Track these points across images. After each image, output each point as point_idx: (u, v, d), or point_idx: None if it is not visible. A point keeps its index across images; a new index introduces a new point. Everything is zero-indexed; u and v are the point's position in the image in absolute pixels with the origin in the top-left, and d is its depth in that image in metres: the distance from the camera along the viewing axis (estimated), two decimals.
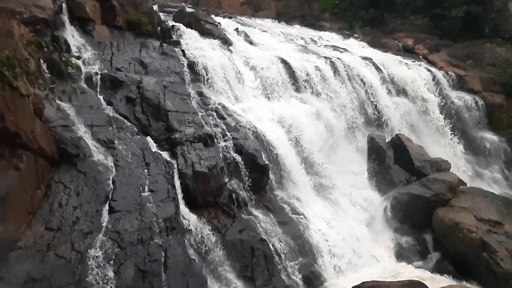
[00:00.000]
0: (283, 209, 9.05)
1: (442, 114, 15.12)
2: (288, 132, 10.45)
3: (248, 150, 9.03)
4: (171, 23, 13.46)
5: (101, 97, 8.99)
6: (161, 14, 14.43)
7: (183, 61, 11.07)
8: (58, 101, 7.36)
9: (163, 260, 6.37)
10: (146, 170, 7.59)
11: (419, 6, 22.60)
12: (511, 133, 15.69)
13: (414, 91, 15.15)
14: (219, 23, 14.56)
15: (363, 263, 8.94)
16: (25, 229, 5.96)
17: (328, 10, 25.85)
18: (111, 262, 6.02)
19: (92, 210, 6.57)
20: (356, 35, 20.87)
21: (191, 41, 12.55)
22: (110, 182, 7.11)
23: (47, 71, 8.56)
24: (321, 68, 13.51)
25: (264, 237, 7.88)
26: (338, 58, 14.55)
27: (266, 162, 9.15)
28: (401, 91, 15.00)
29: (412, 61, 16.91)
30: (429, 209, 9.82)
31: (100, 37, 10.81)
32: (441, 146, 14.48)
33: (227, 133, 9.24)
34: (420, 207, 9.96)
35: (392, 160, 11.60)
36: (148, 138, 8.44)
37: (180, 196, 7.58)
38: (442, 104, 15.32)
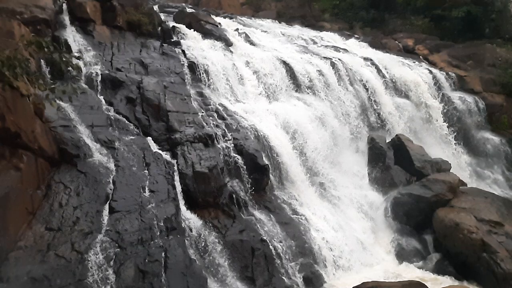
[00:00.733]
0: (284, 210, 9.05)
1: (442, 115, 15.11)
2: (287, 133, 10.44)
3: (249, 150, 9.04)
4: (171, 23, 13.49)
5: (101, 97, 8.99)
6: (161, 14, 14.46)
7: (183, 61, 11.08)
8: (58, 101, 7.38)
9: (163, 260, 6.36)
10: (146, 171, 7.59)
11: (420, 6, 22.60)
12: (511, 133, 15.68)
13: (414, 91, 15.14)
14: (219, 23, 14.58)
15: (364, 263, 8.94)
16: (25, 229, 5.96)
17: (329, 10, 25.84)
18: (111, 262, 6.02)
19: (92, 210, 6.57)
20: (356, 36, 20.87)
21: (192, 42, 12.57)
22: (111, 182, 7.11)
23: (47, 71, 8.57)
24: (321, 68, 13.51)
25: (264, 238, 7.87)
26: (338, 59, 14.54)
27: (266, 163, 9.15)
28: (401, 92, 15.00)
29: (413, 62, 16.91)
30: (429, 210, 9.82)
31: (100, 38, 10.81)
32: (441, 146, 14.47)
33: (227, 133, 9.24)
34: (420, 207, 9.96)
35: (392, 161, 11.60)
36: (149, 139, 8.44)
37: (180, 196, 7.57)
38: (442, 104, 15.31)
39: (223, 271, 7.13)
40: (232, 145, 9.05)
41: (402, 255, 9.39)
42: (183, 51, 11.57)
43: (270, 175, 9.28)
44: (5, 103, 5.73)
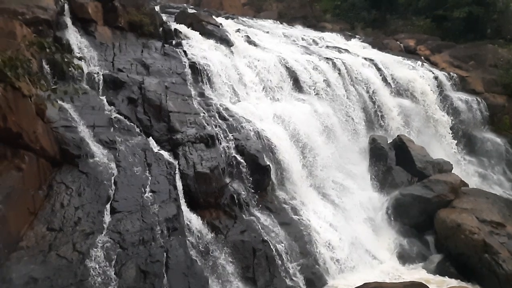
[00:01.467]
0: (285, 210, 9.04)
1: (444, 115, 15.10)
2: (289, 133, 10.43)
3: (250, 151, 9.03)
4: (173, 24, 13.49)
5: (103, 98, 9.00)
6: (163, 15, 14.46)
7: (184, 62, 11.09)
8: (60, 102, 7.38)
9: (164, 260, 6.36)
10: (147, 171, 7.60)
11: (421, 7, 22.60)
12: None
13: (416, 92, 15.12)
14: (220, 24, 14.57)
15: (365, 264, 8.93)
16: (27, 230, 5.96)
17: (330, 11, 25.84)
18: (113, 262, 6.02)
19: (93, 211, 6.58)
20: (357, 36, 20.86)
21: (193, 42, 12.57)
22: (112, 182, 7.11)
23: (49, 71, 8.58)
24: (323, 69, 13.51)
25: (265, 238, 7.87)
26: (339, 59, 14.54)
27: (268, 163, 9.15)
28: (403, 92, 14.99)
29: (414, 62, 16.89)
30: (431, 211, 9.81)
31: (102, 38, 10.82)
32: (443, 147, 14.46)
33: (228, 134, 9.24)
34: (422, 208, 9.95)
35: (393, 161, 11.59)
36: (150, 139, 8.44)
37: (181, 196, 7.57)
38: (444, 105, 15.30)
39: (224, 271, 7.12)
40: (234, 145, 9.05)
41: (403, 256, 9.37)
42: (185, 52, 11.58)
43: (272, 176, 9.28)
44: (7, 103, 5.74)
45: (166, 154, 8.17)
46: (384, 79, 14.89)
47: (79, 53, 9.53)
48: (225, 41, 13.07)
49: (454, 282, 8.46)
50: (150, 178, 7.47)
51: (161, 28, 12.73)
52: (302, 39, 17.67)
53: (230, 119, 9.80)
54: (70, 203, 6.54)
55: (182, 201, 7.54)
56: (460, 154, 14.69)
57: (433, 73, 16.20)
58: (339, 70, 13.90)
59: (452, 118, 15.15)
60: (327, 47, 16.97)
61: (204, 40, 12.84)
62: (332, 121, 11.92)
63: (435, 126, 14.87)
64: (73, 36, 10.16)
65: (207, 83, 10.85)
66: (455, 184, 10.38)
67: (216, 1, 28.49)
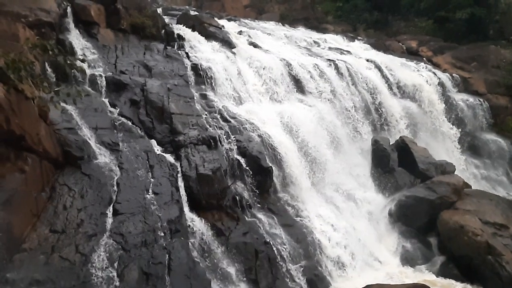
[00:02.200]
0: (287, 212, 9.03)
1: (446, 117, 15.08)
2: (291, 135, 10.43)
3: (252, 152, 9.03)
4: (175, 26, 13.52)
5: (105, 100, 9.02)
6: (165, 17, 14.51)
7: (187, 63, 11.11)
8: (62, 104, 7.39)
9: (167, 262, 6.36)
10: (150, 173, 7.60)
11: (423, 8, 22.58)
12: None
13: (418, 93, 15.11)
14: (222, 26, 14.58)
15: (368, 266, 8.91)
16: (30, 232, 5.97)
17: (332, 12, 25.86)
18: (115, 264, 6.02)
19: (96, 213, 6.58)
20: (359, 38, 20.87)
21: (195, 44, 12.59)
22: (114, 184, 7.12)
23: (52, 74, 8.61)
24: (325, 70, 13.51)
25: (268, 240, 7.86)
26: (342, 61, 14.54)
27: (270, 165, 9.14)
28: (405, 94, 14.97)
29: (416, 64, 16.88)
30: (433, 212, 9.78)
31: (104, 40, 10.86)
32: (445, 148, 14.43)
33: (230, 135, 9.24)
34: (424, 210, 9.92)
35: (396, 163, 11.57)
36: (152, 141, 8.45)
37: (184, 198, 7.57)
38: (447, 106, 15.27)
39: (226, 273, 7.11)
40: (236, 147, 9.05)
41: (406, 258, 9.35)
42: (187, 54, 11.61)
43: (274, 177, 9.27)
44: (10, 106, 5.76)
45: (168, 156, 8.17)
46: (386, 80, 14.87)
47: (81, 56, 9.54)
48: (227, 43, 13.09)
49: (457, 284, 8.44)
50: (152, 180, 7.48)
51: (163, 31, 12.76)
52: (304, 40, 17.68)
53: (232, 120, 9.80)
54: (72, 205, 6.55)
55: (185, 202, 7.54)
56: (463, 155, 14.66)
57: (435, 74, 16.19)
58: (341, 71, 13.89)
59: (454, 119, 15.12)
60: (329, 48, 16.99)
61: (206, 42, 12.87)
62: (334, 123, 11.92)
63: (437, 128, 14.84)
64: (76, 39, 10.21)
65: (209, 85, 10.87)
66: (458, 186, 10.35)
67: (218, 3, 28.57)
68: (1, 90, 5.63)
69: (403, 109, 14.15)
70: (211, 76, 10.97)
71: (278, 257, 7.77)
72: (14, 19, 8.45)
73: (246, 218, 8.19)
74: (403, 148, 11.84)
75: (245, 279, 7.25)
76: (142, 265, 6.18)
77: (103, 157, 7.54)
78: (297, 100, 12.15)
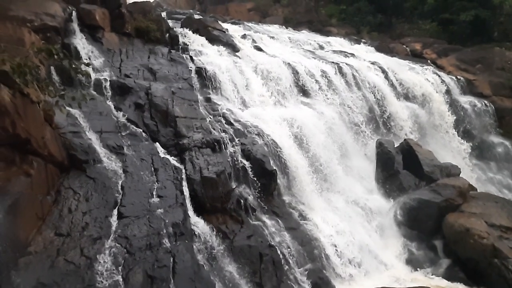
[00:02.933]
0: (291, 215, 9.01)
1: (451, 119, 15.02)
2: (295, 138, 10.42)
3: (256, 155, 9.03)
4: (179, 30, 13.58)
5: (110, 104, 9.06)
6: (169, 21, 14.57)
7: (191, 67, 11.15)
8: (68, 108, 7.45)
9: (171, 265, 6.36)
10: (154, 176, 7.62)
11: (427, 10, 22.55)
12: None
13: (422, 96, 15.07)
14: (226, 29, 14.65)
15: (373, 269, 8.86)
16: (35, 235, 6.00)
17: (336, 15, 25.90)
18: (120, 267, 6.03)
19: (101, 216, 6.60)
20: (363, 40, 20.87)
21: (199, 48, 12.65)
22: (119, 187, 7.14)
23: (57, 78, 8.67)
24: (329, 73, 13.51)
25: (272, 243, 7.84)
26: (346, 63, 14.54)
27: (274, 168, 9.14)
28: (410, 96, 14.95)
29: (421, 66, 16.85)
30: (439, 215, 9.72)
31: (109, 44, 10.92)
32: (450, 151, 14.37)
33: (235, 138, 9.25)
34: (430, 212, 9.86)
35: (401, 165, 11.52)
36: (157, 144, 8.48)
37: (188, 201, 7.57)
38: (451, 109, 15.22)
39: (231, 276, 7.10)
40: (240, 150, 9.05)
41: (411, 261, 9.30)
42: (191, 57, 11.65)
43: (278, 180, 9.26)
44: (16, 109, 5.80)
45: (172, 159, 8.19)
46: (391, 83, 14.85)
47: (86, 60, 9.63)
48: (231, 46, 13.13)
49: (463, 287, 8.38)
50: (157, 183, 7.49)
51: (167, 34, 12.82)
52: (308, 43, 17.70)
53: (236, 124, 9.81)
54: (77, 208, 6.58)
55: (189, 206, 7.54)
56: (468, 157, 14.58)
57: (440, 77, 16.15)
58: (345, 74, 13.89)
59: (459, 122, 15.06)
60: (333, 51, 16.99)
61: (210, 46, 12.93)
62: (338, 125, 11.91)
63: (442, 130, 14.78)
64: (81, 43, 10.26)
65: (213, 88, 10.90)
66: (463, 188, 10.29)
67: (222, 7, 28.69)
68: (7, 94, 5.67)
69: (407, 111, 14.11)
70: (215, 79, 11.01)
71: (283, 260, 7.74)
72: (19, 24, 8.52)
73: (251, 221, 8.18)
74: (408, 150, 11.79)
75: (249, 282, 7.23)
76: (147, 268, 6.18)
77: (108, 161, 7.56)
78: (301, 103, 12.15)
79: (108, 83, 9.42)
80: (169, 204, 7.20)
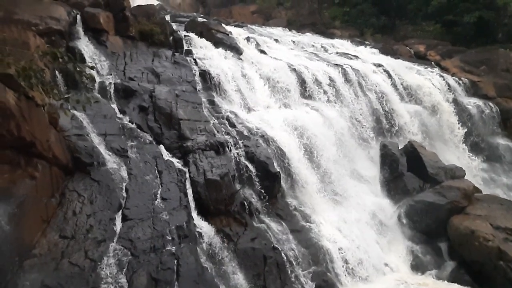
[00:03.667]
0: (295, 217, 9.00)
1: (456, 121, 14.96)
2: (299, 140, 10.41)
3: (260, 158, 9.03)
4: (183, 33, 13.62)
5: (114, 106, 9.10)
6: (173, 24, 14.61)
7: (195, 70, 11.17)
8: (72, 111, 7.48)
9: (175, 268, 6.36)
10: (158, 178, 7.64)
11: (431, 12, 22.52)
12: None
13: (427, 97, 15.03)
14: (230, 32, 14.67)
15: (377, 271, 8.82)
16: (40, 237, 6.02)
17: (339, 17, 25.91)
18: (124, 270, 6.04)
19: (105, 218, 6.62)
20: (367, 42, 20.87)
21: (203, 50, 12.68)
22: (123, 190, 7.16)
23: (62, 81, 8.71)
24: (333, 75, 13.50)
25: (276, 245, 7.83)
26: (349, 66, 14.53)
27: (278, 170, 9.13)
28: (414, 98, 14.91)
29: (425, 68, 16.82)
30: (444, 217, 9.68)
31: (113, 47, 10.97)
32: (455, 153, 14.31)
33: (238, 141, 9.25)
34: (434, 215, 9.82)
35: (405, 167, 11.48)
36: (161, 147, 8.50)
37: (192, 204, 7.59)
38: (456, 110, 15.16)
39: (235, 279, 7.09)
40: (243, 152, 9.05)
41: (416, 264, 9.26)
42: (195, 60, 11.67)
43: (282, 183, 9.25)
44: (21, 112, 5.83)
45: (176, 162, 8.21)
46: (395, 85, 14.82)
47: (91, 63, 9.67)
48: (235, 49, 13.15)
49: None
50: (161, 185, 7.51)
51: (171, 37, 12.86)
52: (312, 46, 17.70)
53: (240, 126, 9.82)
54: (82, 211, 6.60)
55: (193, 208, 7.55)
56: (473, 159, 14.51)
57: (444, 78, 16.10)
58: (349, 76, 13.87)
59: (464, 123, 15.00)
60: (337, 53, 16.98)
61: (214, 49, 12.95)
62: (342, 127, 11.89)
63: (447, 132, 14.73)
64: (85, 46, 10.31)
65: (217, 91, 10.91)
66: (468, 190, 10.24)
67: (225, 9, 28.79)
68: (12, 97, 5.71)
69: (411, 113, 14.08)
70: (219, 82, 11.03)
71: (287, 263, 7.72)
72: (24, 27, 8.57)
73: (254, 224, 8.17)
74: (412, 152, 11.75)
75: (253, 285, 7.22)
76: (151, 270, 6.19)
77: (112, 163, 7.58)
78: (305, 106, 12.14)
79: (112, 86, 9.45)
80: (173, 206, 7.21)
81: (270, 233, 8.09)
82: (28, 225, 5.84)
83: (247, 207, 8.29)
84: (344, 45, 19.13)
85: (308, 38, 19.50)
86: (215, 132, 9.14)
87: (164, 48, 12.12)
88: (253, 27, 19.42)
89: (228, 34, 14.10)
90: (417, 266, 9.21)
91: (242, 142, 9.23)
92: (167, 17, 15.79)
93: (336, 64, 14.36)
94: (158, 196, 7.30)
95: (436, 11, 22.09)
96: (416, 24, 23.95)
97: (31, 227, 5.91)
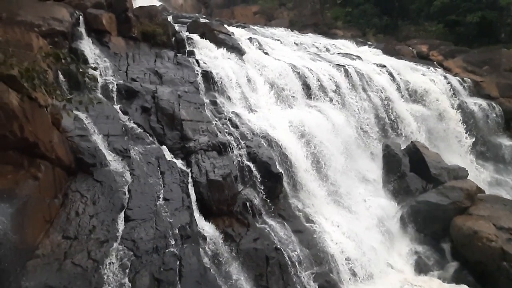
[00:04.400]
0: (298, 218, 9.00)
1: (458, 121, 14.93)
2: (301, 140, 10.41)
3: (262, 158, 9.03)
4: (185, 33, 13.64)
5: (117, 107, 9.11)
6: (175, 25, 14.63)
7: (197, 70, 11.18)
8: (75, 112, 7.49)
9: (178, 268, 6.36)
10: (161, 179, 7.64)
11: (433, 12, 22.49)
12: None
13: (429, 97, 15.00)
14: (232, 33, 14.68)
15: (380, 272, 8.81)
16: (43, 238, 6.03)
17: (341, 18, 25.90)
18: (127, 270, 6.04)
19: (108, 219, 6.63)
20: (369, 43, 20.84)
21: (205, 51, 12.69)
22: (126, 191, 7.16)
23: (64, 82, 8.72)
24: (335, 76, 13.50)
25: (278, 246, 7.82)
26: (352, 66, 14.51)
27: (280, 170, 9.13)
28: (416, 98, 14.89)
29: (427, 68, 16.79)
30: (446, 218, 9.66)
31: (116, 48, 10.99)
32: (458, 153, 14.27)
33: (240, 141, 9.26)
34: (437, 215, 9.80)
35: (407, 168, 11.46)
36: (163, 147, 8.50)
37: (194, 204, 7.58)
38: (459, 110, 15.13)
39: (237, 279, 7.09)
40: (246, 153, 9.05)
41: (419, 264, 9.24)
42: (197, 61, 11.69)
43: (284, 183, 9.25)
44: (24, 113, 5.85)
45: (179, 162, 8.21)
46: (397, 85, 14.80)
47: (93, 64, 9.68)
48: (237, 50, 13.16)
49: None
50: (163, 186, 7.51)
51: (173, 38, 12.88)
52: (314, 46, 17.69)
53: (242, 126, 9.83)
54: (85, 212, 6.61)
55: (195, 209, 7.55)
56: (476, 160, 14.47)
57: (446, 78, 16.06)
58: (351, 76, 13.86)
59: (467, 123, 14.96)
60: (339, 54, 16.97)
61: (216, 49, 12.96)
62: (345, 128, 11.87)
63: (449, 132, 14.69)
64: (88, 47, 10.33)
65: (219, 92, 10.92)
66: (471, 191, 10.22)
67: (227, 10, 28.82)
68: (15, 98, 5.73)
69: (414, 114, 14.07)
70: (221, 82, 11.04)
71: (289, 263, 7.72)
72: (27, 29, 8.59)
73: (257, 224, 8.17)
74: (415, 153, 11.73)
75: (256, 285, 7.22)
76: (153, 271, 6.19)
77: (115, 164, 7.60)
78: (307, 106, 12.14)
79: (115, 87, 9.47)
80: (175, 207, 7.22)
81: (272, 234, 8.09)
82: (31, 226, 5.85)
83: (250, 207, 8.28)
84: (346, 45, 19.11)
85: (310, 38, 19.49)
86: (218, 132, 9.15)
87: (167, 49, 12.13)
88: (255, 27, 19.42)
89: (230, 35, 14.11)
90: (420, 267, 9.19)
91: (244, 143, 9.24)
92: (169, 18, 15.80)
93: (339, 65, 14.35)
94: (161, 196, 7.30)
95: (439, 11, 22.05)
96: (419, 24, 23.91)
97: (34, 227, 5.93)
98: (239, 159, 8.86)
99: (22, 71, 5.83)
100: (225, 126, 9.62)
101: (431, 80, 15.63)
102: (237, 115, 10.27)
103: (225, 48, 13.01)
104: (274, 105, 11.66)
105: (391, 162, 11.59)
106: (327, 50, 17.65)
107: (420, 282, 8.67)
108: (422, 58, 19.18)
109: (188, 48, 12.64)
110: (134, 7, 13.03)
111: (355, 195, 10.56)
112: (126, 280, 5.94)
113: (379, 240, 9.59)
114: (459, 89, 15.93)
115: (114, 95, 9.37)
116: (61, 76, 8.67)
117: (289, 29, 21.43)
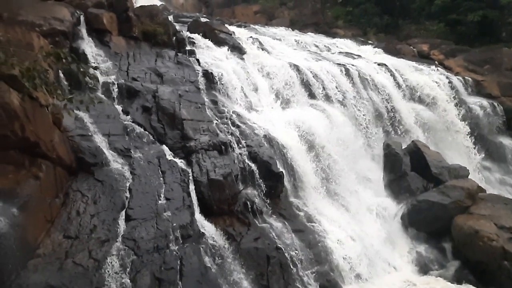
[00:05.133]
0: (299, 217, 9.00)
1: (459, 120, 14.91)
2: (302, 139, 10.41)
3: (263, 157, 9.03)
4: (186, 33, 13.63)
5: (118, 107, 9.12)
6: (176, 24, 14.62)
7: (198, 70, 11.17)
8: (76, 111, 7.49)
9: (178, 268, 6.38)
10: (162, 178, 7.65)
11: (434, 11, 22.46)
12: None
13: (430, 97, 14.98)
14: (233, 32, 14.67)
15: (381, 271, 8.82)
16: (44, 237, 6.04)
17: (342, 17, 25.88)
18: (128, 270, 6.06)
19: (109, 218, 6.64)
20: (370, 42, 20.82)
21: (206, 50, 12.68)
22: (127, 190, 7.17)
23: (65, 81, 8.73)
24: (336, 75, 13.48)
25: (279, 245, 7.82)
26: (352, 65, 14.50)
27: (281, 170, 9.13)
28: (417, 97, 14.87)
29: (428, 67, 16.75)
30: (447, 217, 9.65)
31: (116, 48, 10.99)
32: (459, 152, 14.25)
33: (241, 141, 9.26)
34: (438, 214, 9.79)
35: (408, 167, 11.45)
36: (164, 147, 8.50)
37: (195, 204, 7.59)
38: (460, 109, 15.11)
39: (238, 279, 7.09)
40: (246, 152, 9.06)
41: (420, 263, 9.24)
42: (198, 60, 11.68)
43: (285, 182, 9.25)
44: (25, 113, 5.86)
45: (179, 162, 8.21)
46: (398, 84, 14.79)
47: (94, 63, 9.68)
48: (238, 49, 13.16)
49: None
50: (164, 185, 7.52)
51: (174, 37, 12.87)
52: (315, 45, 17.68)
53: (243, 126, 9.83)
54: (86, 211, 6.62)
55: (196, 208, 7.56)
56: (477, 159, 14.45)
57: (447, 77, 16.04)
58: (352, 76, 13.85)
59: (468, 123, 14.94)
60: (340, 53, 16.95)
61: (217, 48, 12.95)
62: (345, 127, 11.86)
63: (450, 131, 14.67)
64: (89, 47, 10.33)
65: (220, 91, 10.92)
66: (472, 190, 10.21)
67: (228, 9, 28.82)
68: (16, 97, 5.74)
69: (415, 113, 14.04)
70: (221, 82, 11.03)
71: (290, 262, 7.72)
72: (28, 28, 8.59)
73: (257, 224, 8.18)
74: (416, 152, 11.72)
75: (256, 284, 7.22)
76: (154, 270, 6.21)
77: (116, 163, 7.60)
78: (308, 105, 12.13)
79: (115, 87, 9.47)
80: (176, 206, 7.23)
81: (273, 233, 8.09)
82: (32, 225, 5.86)
83: (250, 207, 8.29)
84: (347, 44, 19.09)
85: (311, 37, 19.46)
86: (218, 132, 9.15)
87: (167, 49, 12.13)
88: (256, 27, 19.39)
89: (231, 34, 14.11)
90: (421, 266, 9.18)
91: (245, 142, 9.24)
92: (170, 18, 15.80)
93: (339, 64, 14.33)
94: (162, 196, 7.31)
95: (440, 10, 22.02)
96: (420, 23, 23.88)
97: (35, 227, 5.94)
98: (240, 158, 8.86)
99: (23, 70, 5.84)
100: (226, 125, 9.62)
101: (432, 79, 15.57)
102: (238, 114, 10.27)
103: (226, 48, 13.01)
104: (275, 104, 11.66)
105: (392, 161, 11.58)
106: (328, 49, 17.63)
107: (420, 280, 8.67)
108: (423, 57, 19.15)
109: (188, 48, 12.63)
110: (135, 7, 13.04)
111: (355, 194, 10.55)
112: (127, 279, 5.96)
113: (380, 239, 9.59)
114: (460, 88, 15.88)
115: (115, 94, 9.37)
116: (62, 76, 8.67)
117: (290, 29, 21.41)
